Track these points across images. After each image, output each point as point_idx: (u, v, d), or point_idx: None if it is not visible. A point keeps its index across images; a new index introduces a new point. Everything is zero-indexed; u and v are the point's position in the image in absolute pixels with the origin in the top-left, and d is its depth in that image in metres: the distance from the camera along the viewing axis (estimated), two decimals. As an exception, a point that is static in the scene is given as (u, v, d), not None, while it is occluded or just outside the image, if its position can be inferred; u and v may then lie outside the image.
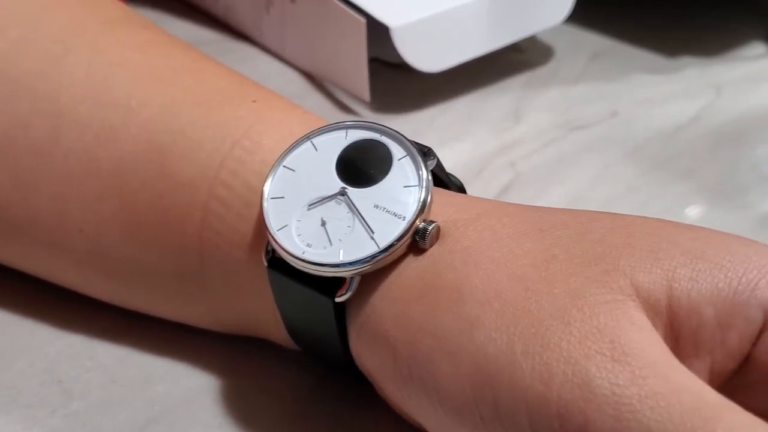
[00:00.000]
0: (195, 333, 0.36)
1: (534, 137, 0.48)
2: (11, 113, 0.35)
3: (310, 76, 0.52)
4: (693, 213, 0.43)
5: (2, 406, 0.34)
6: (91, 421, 0.34)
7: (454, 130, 0.48)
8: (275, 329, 0.34)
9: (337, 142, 0.32)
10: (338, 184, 0.31)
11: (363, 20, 0.47)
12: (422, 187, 0.31)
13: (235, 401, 0.35)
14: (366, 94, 0.48)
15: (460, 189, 0.34)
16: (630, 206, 0.43)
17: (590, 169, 0.46)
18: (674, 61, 0.53)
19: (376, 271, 0.30)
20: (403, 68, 0.49)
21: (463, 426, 0.28)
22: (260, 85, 0.36)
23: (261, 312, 0.34)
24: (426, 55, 0.48)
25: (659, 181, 0.45)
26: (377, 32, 0.47)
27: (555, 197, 0.44)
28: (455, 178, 0.34)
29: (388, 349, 0.30)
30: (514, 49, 0.53)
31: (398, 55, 0.48)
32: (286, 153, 0.32)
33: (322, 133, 0.33)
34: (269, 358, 0.36)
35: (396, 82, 0.51)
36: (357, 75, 0.48)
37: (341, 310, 0.31)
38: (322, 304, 0.31)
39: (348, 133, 0.32)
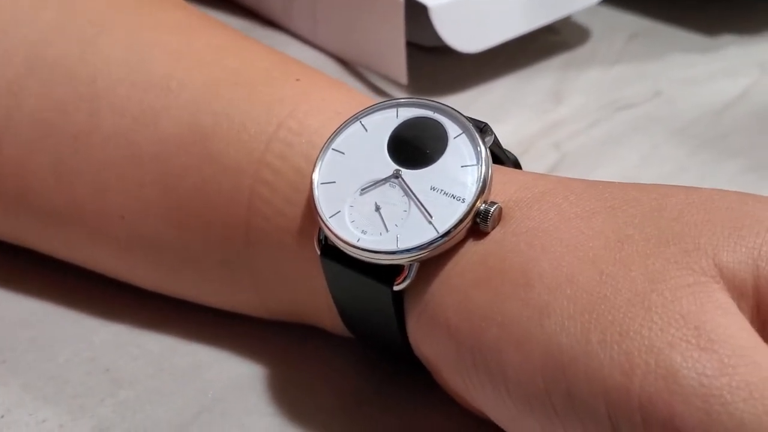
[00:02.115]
0: (242, 320, 0.35)
1: (578, 118, 0.46)
2: (48, 97, 0.34)
3: (343, 62, 0.51)
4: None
5: (49, 396, 0.33)
6: (142, 410, 0.33)
7: (495, 113, 0.47)
8: (326, 316, 0.33)
9: (388, 121, 0.31)
10: (391, 166, 0.30)
11: (401, 0, 0.45)
12: (481, 166, 0.29)
13: (287, 388, 0.34)
14: (403, 76, 0.47)
15: (516, 164, 0.33)
16: (681, 186, 0.42)
17: (638, 149, 0.44)
18: (714, 40, 0.52)
19: (435, 257, 0.29)
20: (437, 52, 0.48)
21: (533, 416, 0.26)
22: (302, 63, 0.35)
23: (311, 299, 0.33)
24: (464, 35, 0.47)
25: (710, 160, 0.43)
26: (411, 15, 0.46)
27: (603, 178, 0.42)
28: (510, 153, 0.33)
29: (449, 338, 0.28)
30: (550, 30, 0.52)
31: (433, 38, 0.47)
32: (335, 135, 0.31)
33: (371, 113, 0.31)
34: (318, 344, 0.35)
35: (431, 65, 0.50)
36: (394, 57, 0.47)
37: (399, 297, 0.30)
38: (379, 293, 0.30)
39: (399, 112, 0.31)
